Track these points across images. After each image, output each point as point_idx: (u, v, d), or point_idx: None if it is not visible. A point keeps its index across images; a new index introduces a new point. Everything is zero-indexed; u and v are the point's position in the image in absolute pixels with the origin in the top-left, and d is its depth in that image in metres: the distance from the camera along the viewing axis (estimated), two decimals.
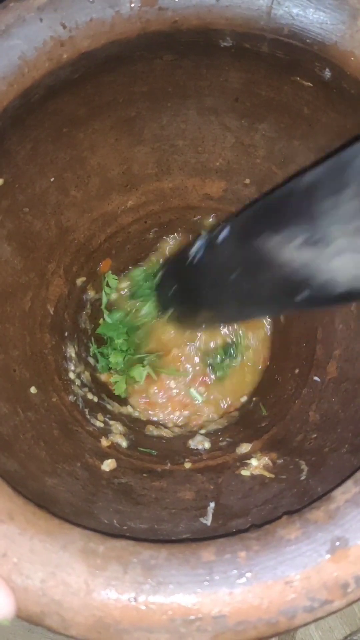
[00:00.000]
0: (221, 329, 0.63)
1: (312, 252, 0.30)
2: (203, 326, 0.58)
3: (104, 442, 0.51)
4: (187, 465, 0.50)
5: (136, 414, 0.62)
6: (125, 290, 0.65)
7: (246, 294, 0.40)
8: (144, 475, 0.48)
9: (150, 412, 0.63)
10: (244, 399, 0.63)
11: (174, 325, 0.61)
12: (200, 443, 0.55)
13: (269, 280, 0.35)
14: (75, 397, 0.53)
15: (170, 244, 0.65)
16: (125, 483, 0.46)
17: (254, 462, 0.47)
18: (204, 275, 0.48)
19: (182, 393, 0.64)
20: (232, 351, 0.63)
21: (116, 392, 0.61)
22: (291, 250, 0.32)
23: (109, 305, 0.64)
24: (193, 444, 0.55)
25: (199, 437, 0.56)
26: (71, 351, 0.57)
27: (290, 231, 0.32)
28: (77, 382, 0.56)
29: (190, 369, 0.64)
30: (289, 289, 0.34)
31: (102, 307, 0.63)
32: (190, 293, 0.53)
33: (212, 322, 0.55)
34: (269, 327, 0.64)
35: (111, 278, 0.63)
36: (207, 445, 0.55)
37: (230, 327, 0.63)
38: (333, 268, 0.29)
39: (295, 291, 0.33)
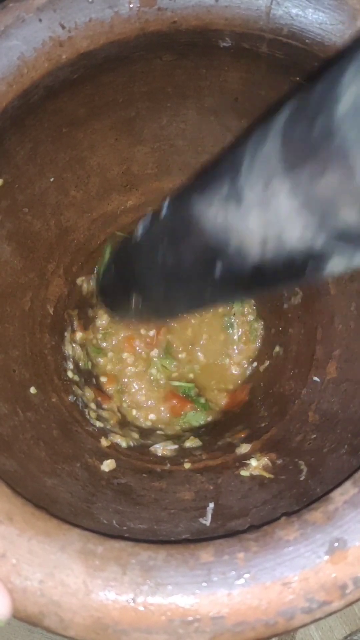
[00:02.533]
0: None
1: (232, 208, 0.29)
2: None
3: (104, 442, 0.51)
4: (187, 465, 0.50)
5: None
6: None
7: (171, 266, 0.38)
8: (144, 475, 0.48)
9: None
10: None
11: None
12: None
13: (191, 249, 0.34)
14: (75, 398, 0.53)
15: None
16: (124, 483, 0.46)
17: (253, 462, 0.47)
18: (138, 253, 0.46)
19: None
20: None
21: None
22: (214, 207, 0.30)
23: None
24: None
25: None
26: (70, 350, 0.57)
27: (214, 187, 0.30)
28: (76, 378, 0.56)
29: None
30: (210, 255, 0.32)
31: None
32: (126, 279, 0.50)
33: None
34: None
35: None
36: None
37: None
38: (244, 229, 0.28)
39: (214, 256, 0.31)
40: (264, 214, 0.26)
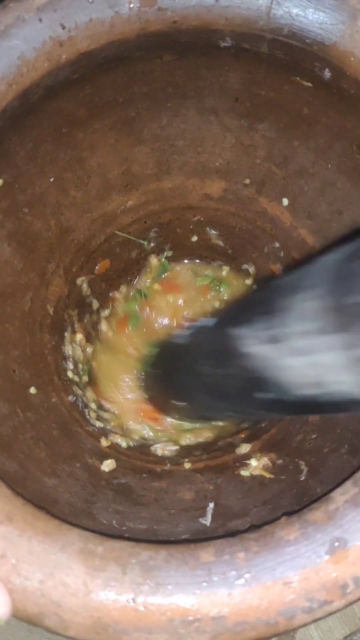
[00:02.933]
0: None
1: (271, 349, 0.31)
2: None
3: (104, 443, 0.51)
4: (187, 465, 0.50)
5: None
6: None
7: (214, 384, 0.41)
8: (144, 475, 0.48)
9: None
10: None
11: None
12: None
13: (233, 373, 0.36)
14: (75, 398, 0.53)
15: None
16: (124, 483, 0.46)
17: (253, 462, 0.47)
18: (182, 359, 0.50)
19: None
20: None
21: None
22: (254, 344, 0.32)
23: None
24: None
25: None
26: (70, 351, 0.57)
27: (255, 324, 0.33)
28: (76, 378, 0.56)
29: None
30: (250, 385, 0.34)
31: None
32: (168, 378, 0.54)
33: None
34: None
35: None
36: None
37: None
38: (288, 368, 0.30)
39: (255, 388, 0.33)
40: (307, 364, 0.28)
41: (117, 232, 0.59)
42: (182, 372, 0.50)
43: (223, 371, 0.38)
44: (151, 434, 0.59)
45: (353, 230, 0.49)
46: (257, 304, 0.35)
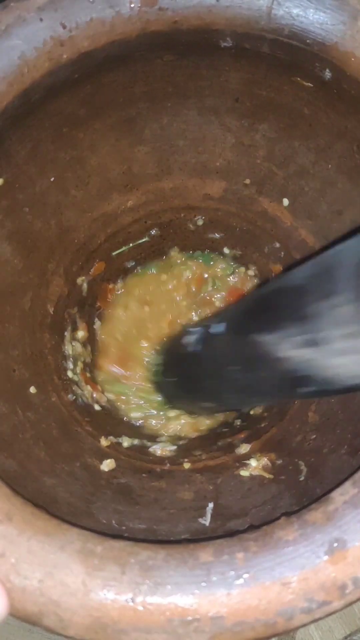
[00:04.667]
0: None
1: (311, 352, 0.31)
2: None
3: (104, 442, 0.51)
4: (187, 465, 0.50)
5: None
6: None
7: (245, 385, 0.41)
8: (143, 475, 0.48)
9: None
10: None
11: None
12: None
13: (268, 375, 0.36)
14: (74, 397, 0.53)
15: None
16: (124, 483, 0.46)
17: (253, 462, 0.47)
18: (202, 366, 0.50)
19: None
20: None
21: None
22: (289, 349, 0.32)
23: None
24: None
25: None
26: (70, 350, 0.57)
27: (285, 330, 0.32)
28: (76, 378, 0.56)
29: None
30: (290, 383, 0.34)
31: None
32: (190, 384, 0.54)
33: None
34: None
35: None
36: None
37: None
38: (335, 367, 0.30)
39: (297, 385, 0.33)
40: (355, 362, 0.28)
41: (113, 254, 0.59)
42: (204, 378, 0.50)
43: (256, 374, 0.38)
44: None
45: (354, 228, 0.49)
46: (280, 308, 0.35)
